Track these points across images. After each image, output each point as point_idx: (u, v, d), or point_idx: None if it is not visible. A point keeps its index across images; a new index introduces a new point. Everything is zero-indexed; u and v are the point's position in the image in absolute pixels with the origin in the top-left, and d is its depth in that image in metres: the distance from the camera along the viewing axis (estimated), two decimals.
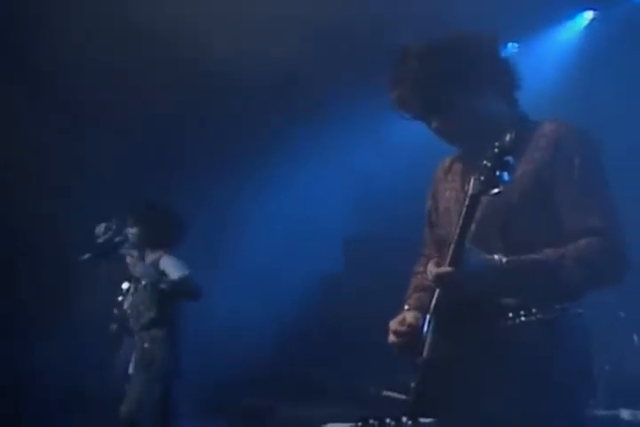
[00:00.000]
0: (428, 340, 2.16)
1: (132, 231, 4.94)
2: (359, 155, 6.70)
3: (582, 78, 6.00)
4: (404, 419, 2.04)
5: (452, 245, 2.12)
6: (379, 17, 5.50)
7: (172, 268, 4.81)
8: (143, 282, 4.92)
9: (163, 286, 4.76)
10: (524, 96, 2.42)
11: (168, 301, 4.79)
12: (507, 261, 2.13)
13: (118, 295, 5.06)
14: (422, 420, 2.06)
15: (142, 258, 4.94)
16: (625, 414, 4.42)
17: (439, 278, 2.13)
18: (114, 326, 5.58)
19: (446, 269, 2.12)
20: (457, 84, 2.29)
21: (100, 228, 4.97)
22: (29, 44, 5.74)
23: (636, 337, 4.90)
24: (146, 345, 4.78)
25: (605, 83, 5.74)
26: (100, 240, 4.95)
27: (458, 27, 2.42)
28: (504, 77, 2.36)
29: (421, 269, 2.54)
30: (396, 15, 5.34)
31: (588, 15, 6.40)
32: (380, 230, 6.81)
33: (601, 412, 4.46)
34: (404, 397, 2.16)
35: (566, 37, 6.48)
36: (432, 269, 2.17)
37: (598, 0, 6.29)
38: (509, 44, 6.08)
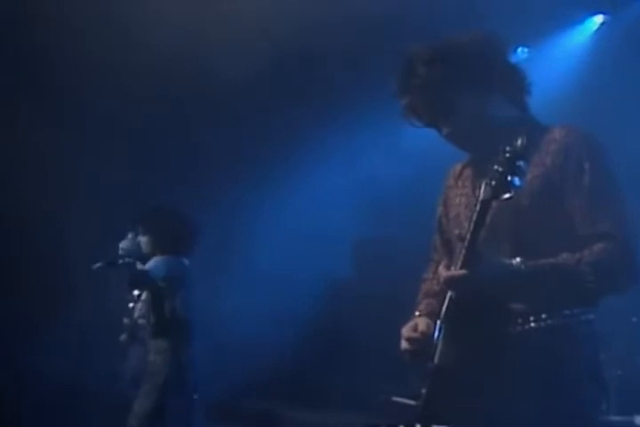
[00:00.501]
0: (439, 346, 2.15)
1: (143, 240, 4.91)
2: (370, 157, 6.70)
3: (592, 82, 5.98)
4: (417, 426, 2.04)
5: (463, 251, 2.11)
6: (390, 22, 5.50)
7: (152, 262, 4.73)
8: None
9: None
10: (534, 100, 2.41)
11: (164, 307, 4.76)
12: (525, 266, 2.12)
13: (129, 302, 5.03)
14: None
15: None
16: (639, 420, 4.39)
17: (450, 281, 2.12)
18: (124, 336, 5.58)
19: (457, 271, 2.11)
20: (466, 89, 2.28)
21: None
22: (31, 46, 5.77)
23: None
24: (151, 356, 4.76)
25: (616, 86, 5.72)
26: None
27: (468, 31, 2.40)
28: (514, 82, 2.35)
29: (430, 275, 2.54)
30: (405, 19, 5.35)
31: (598, 19, 6.38)
32: (391, 233, 6.81)
33: (615, 418, 4.43)
34: (413, 402, 2.16)
35: (576, 42, 6.46)
36: (442, 272, 2.16)
37: (608, 4, 6.27)
38: (519, 49, 6.07)
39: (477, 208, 2.10)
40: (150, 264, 4.71)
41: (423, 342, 2.24)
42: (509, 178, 2.04)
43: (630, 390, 4.65)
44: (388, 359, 2.41)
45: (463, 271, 2.09)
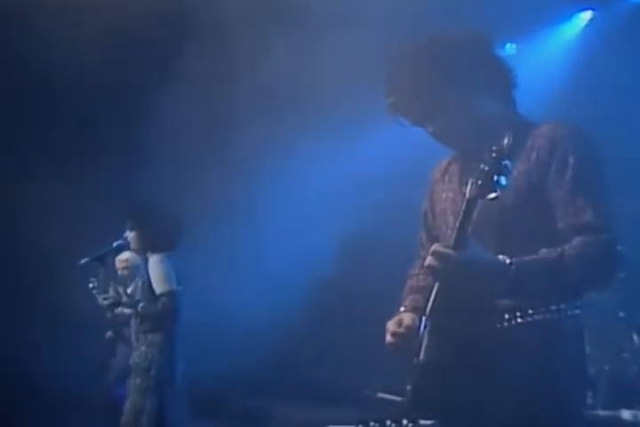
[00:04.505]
0: (425, 342, 2.15)
1: (130, 235, 4.89)
2: (356, 155, 6.70)
3: (581, 78, 5.99)
4: (405, 421, 2.03)
5: (451, 244, 2.11)
6: (383, 17, 5.49)
7: (158, 278, 4.72)
8: (139, 284, 4.88)
9: (140, 310, 4.73)
10: (522, 97, 2.40)
11: (162, 301, 4.74)
12: (510, 262, 2.10)
13: (111, 298, 5.00)
14: (423, 422, 2.05)
15: (145, 261, 4.90)
16: (626, 414, 4.42)
17: (438, 256, 2.09)
18: (109, 333, 5.56)
19: (448, 249, 2.08)
20: (451, 87, 2.26)
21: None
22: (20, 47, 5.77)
23: (635, 337, 4.89)
24: (143, 348, 4.73)
25: (604, 82, 5.73)
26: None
27: (455, 28, 2.39)
28: (500, 77, 2.34)
29: (416, 271, 2.53)
30: (397, 14, 5.34)
31: (587, 15, 6.40)
32: (376, 230, 6.81)
33: (602, 412, 4.46)
34: (399, 398, 2.15)
35: (565, 38, 6.48)
36: (435, 247, 2.12)
37: (596, 0, 6.29)
38: (507, 45, 6.08)
39: (463, 207, 2.09)
40: (159, 286, 4.70)
41: (408, 337, 2.24)
42: (495, 177, 2.04)
43: (617, 384, 4.68)
44: (376, 355, 2.41)
45: (452, 251, 2.07)
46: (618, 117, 5.53)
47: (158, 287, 4.70)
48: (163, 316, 4.68)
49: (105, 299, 4.89)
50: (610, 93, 5.66)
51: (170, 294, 4.69)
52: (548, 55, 6.39)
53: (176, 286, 4.73)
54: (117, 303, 4.90)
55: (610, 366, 4.71)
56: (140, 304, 4.74)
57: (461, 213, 2.09)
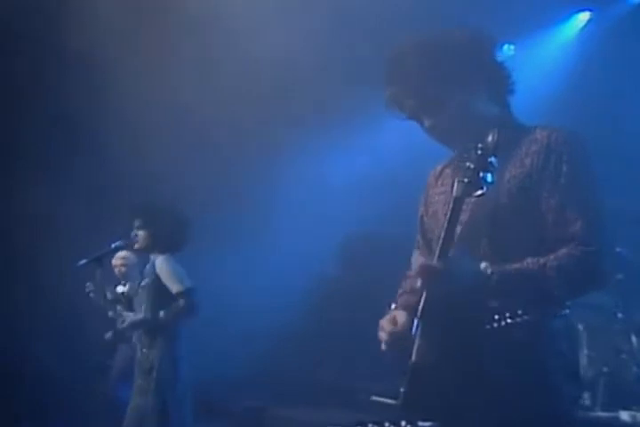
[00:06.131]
0: (416, 343, 2.14)
1: (140, 234, 4.85)
2: (358, 155, 6.71)
3: (578, 79, 6.00)
4: (403, 423, 2.04)
5: (438, 247, 2.12)
6: (379, 17, 5.50)
7: (172, 278, 4.69)
8: (143, 283, 4.86)
9: (162, 317, 4.70)
10: (519, 97, 2.41)
11: (165, 304, 4.73)
12: (492, 272, 2.12)
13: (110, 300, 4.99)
14: (421, 424, 2.05)
15: (148, 261, 4.88)
16: (624, 415, 4.42)
17: (424, 271, 2.12)
18: (109, 334, 5.54)
19: (433, 263, 2.10)
20: (452, 84, 2.27)
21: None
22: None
23: (634, 339, 4.89)
24: (144, 350, 4.71)
25: (602, 83, 5.74)
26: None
27: (461, 26, 2.40)
28: (499, 80, 2.34)
29: (412, 273, 2.54)
30: (395, 15, 5.35)
31: (585, 16, 6.41)
32: (380, 231, 6.81)
33: (600, 414, 4.46)
34: (392, 402, 2.14)
35: (563, 38, 6.49)
36: (419, 260, 2.15)
37: (594, 1, 6.31)
38: (505, 46, 6.08)
39: (451, 206, 2.11)
40: (174, 285, 4.67)
41: (403, 335, 2.23)
42: (481, 174, 2.06)
43: (616, 386, 4.68)
44: (375, 356, 2.41)
45: (436, 264, 2.09)
46: (615, 118, 5.54)
47: (174, 287, 4.65)
48: (186, 314, 4.66)
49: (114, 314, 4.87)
50: (607, 94, 5.67)
51: (188, 292, 4.66)
52: (545, 56, 6.40)
53: (191, 283, 4.72)
54: (138, 324, 4.82)
55: (608, 367, 4.71)
56: (161, 313, 4.68)
57: (449, 212, 2.11)
